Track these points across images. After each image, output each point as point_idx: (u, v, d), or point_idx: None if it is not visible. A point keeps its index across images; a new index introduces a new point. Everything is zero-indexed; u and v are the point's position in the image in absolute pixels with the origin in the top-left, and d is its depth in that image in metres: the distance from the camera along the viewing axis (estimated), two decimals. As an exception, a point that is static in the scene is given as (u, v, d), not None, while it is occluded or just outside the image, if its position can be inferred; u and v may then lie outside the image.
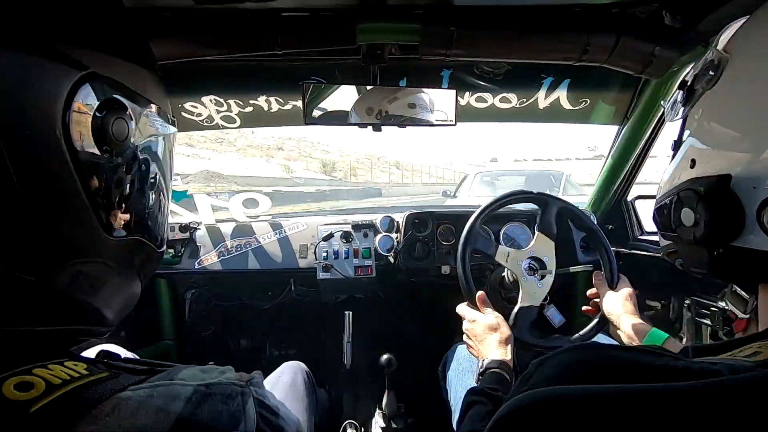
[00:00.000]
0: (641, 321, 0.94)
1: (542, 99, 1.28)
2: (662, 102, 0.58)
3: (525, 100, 1.29)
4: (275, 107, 1.30)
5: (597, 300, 1.06)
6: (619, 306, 0.99)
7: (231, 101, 1.27)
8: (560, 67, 1.16)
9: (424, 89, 1.09)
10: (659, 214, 0.51)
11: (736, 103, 0.42)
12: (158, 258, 0.50)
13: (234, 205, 1.65)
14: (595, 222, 1.33)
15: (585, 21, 0.86)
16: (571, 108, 1.31)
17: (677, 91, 0.54)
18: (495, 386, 0.83)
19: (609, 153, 1.47)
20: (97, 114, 0.36)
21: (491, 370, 0.89)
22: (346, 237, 1.55)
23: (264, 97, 1.27)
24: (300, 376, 1.10)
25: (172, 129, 0.50)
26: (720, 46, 0.47)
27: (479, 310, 1.03)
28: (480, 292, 1.05)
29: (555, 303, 1.15)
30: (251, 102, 1.28)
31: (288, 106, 1.30)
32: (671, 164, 0.53)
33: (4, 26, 0.31)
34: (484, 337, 0.97)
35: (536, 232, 1.17)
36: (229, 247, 1.59)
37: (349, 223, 1.59)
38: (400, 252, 1.54)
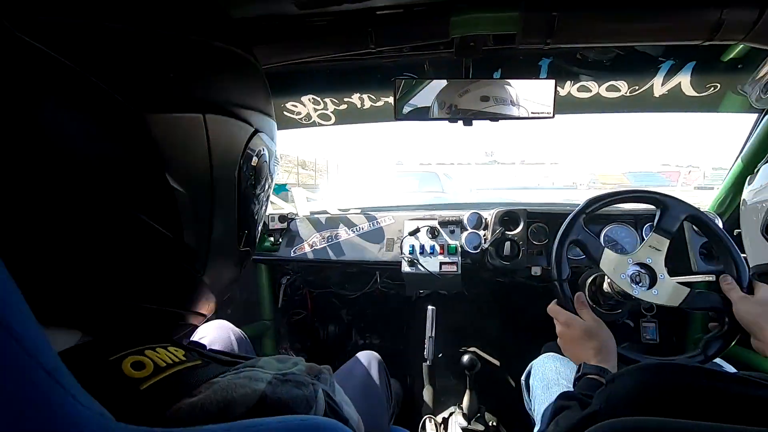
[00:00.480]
0: None
1: (659, 86, 1.13)
2: (740, 88, 0.46)
3: (637, 87, 1.16)
4: (368, 104, 1.34)
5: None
6: (758, 312, 0.83)
7: (327, 99, 1.34)
8: (684, 48, 1.01)
9: (520, 83, 1.04)
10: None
11: None
12: (248, 263, 0.58)
13: (327, 198, 1.75)
14: (721, 226, 1.15)
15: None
16: (696, 95, 1.14)
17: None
18: (590, 393, 0.76)
19: (742, 148, 1.26)
20: (255, 159, 0.47)
21: (588, 376, 0.81)
22: (433, 232, 1.54)
23: (357, 95, 1.31)
24: (374, 365, 1.13)
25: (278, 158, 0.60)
26: None
27: (575, 312, 0.94)
28: (579, 293, 0.97)
29: (660, 318, 1.02)
30: (345, 100, 1.34)
31: (380, 103, 1.33)
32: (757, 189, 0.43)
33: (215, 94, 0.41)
34: (581, 342, 0.89)
35: (650, 235, 1.04)
36: (320, 237, 1.69)
37: (436, 219, 1.58)
38: (487, 250, 1.49)
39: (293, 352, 1.94)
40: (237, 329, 1.15)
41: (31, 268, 0.30)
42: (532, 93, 1.04)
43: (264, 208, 0.56)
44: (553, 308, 0.99)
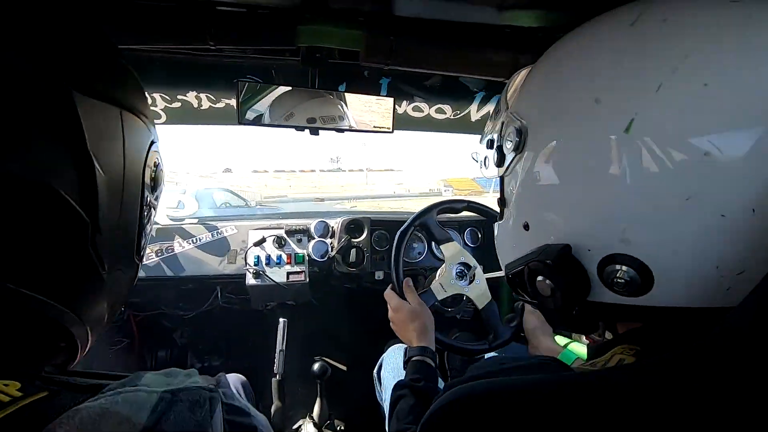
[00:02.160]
0: (554, 343, 1.02)
1: (474, 112, 1.35)
2: (473, 155, 0.62)
3: (459, 112, 1.35)
4: (206, 104, 1.23)
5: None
6: (535, 328, 1.06)
7: (156, 95, 1.18)
8: (492, 83, 1.23)
9: (362, 98, 1.10)
10: (514, 282, 0.52)
11: (550, 171, 0.43)
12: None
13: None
14: None
15: (514, 42, 0.92)
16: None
17: (486, 148, 0.55)
18: (417, 376, 0.85)
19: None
20: (154, 166, 0.48)
21: (414, 359, 0.91)
22: (279, 242, 1.51)
23: (194, 93, 1.19)
24: (241, 391, 1.04)
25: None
26: (510, 106, 0.50)
27: (405, 299, 1.05)
28: (407, 278, 1.07)
29: (462, 304, 1.22)
30: (179, 97, 1.20)
31: (220, 104, 1.24)
32: (503, 223, 0.54)
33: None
34: (408, 324, 0.99)
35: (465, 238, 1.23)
36: (148, 252, 1.47)
37: (283, 228, 1.54)
38: (334, 258, 1.52)
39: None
40: None
41: None
42: (373, 108, 1.12)
43: (151, 223, 0.55)
44: (387, 293, 1.08)
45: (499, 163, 0.51)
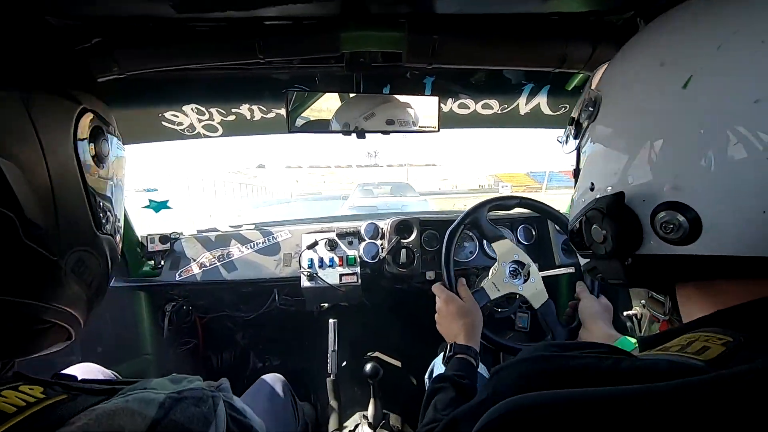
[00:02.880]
0: (613, 330, 0.96)
1: (523, 105, 1.31)
2: (558, 138, 0.64)
3: (506, 106, 1.32)
4: (258, 115, 1.29)
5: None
6: (595, 312, 1.01)
7: (213, 110, 1.25)
8: (540, 74, 1.19)
9: (407, 99, 1.10)
10: (573, 237, 0.54)
11: (615, 132, 0.48)
12: (118, 257, 0.57)
13: (216, 213, 1.62)
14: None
15: (563, 29, 0.88)
16: (552, 113, 1.34)
17: (568, 126, 0.58)
18: (461, 373, 0.83)
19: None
20: (90, 138, 0.47)
21: (458, 356, 0.89)
22: (331, 245, 1.54)
23: (247, 106, 1.26)
24: (279, 389, 1.08)
25: (123, 147, 0.61)
26: (593, 85, 0.53)
27: (456, 292, 1.03)
28: (461, 278, 1.06)
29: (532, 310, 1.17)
30: (233, 110, 1.27)
31: (271, 114, 1.29)
32: (576, 191, 0.57)
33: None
34: (455, 320, 0.97)
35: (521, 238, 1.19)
36: (211, 257, 1.56)
37: (334, 231, 1.58)
38: (385, 259, 1.53)
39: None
40: (108, 371, 0.99)
41: None
42: (419, 108, 1.12)
43: (121, 195, 0.57)
44: (437, 287, 1.06)
45: (576, 134, 0.56)
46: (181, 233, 1.61)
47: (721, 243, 0.38)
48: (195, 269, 1.54)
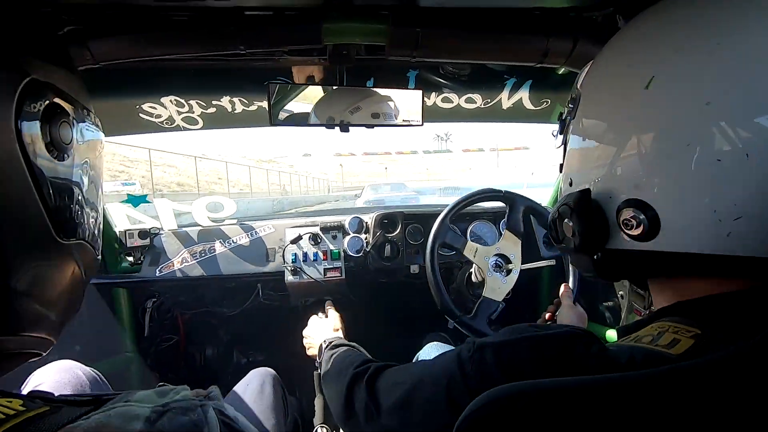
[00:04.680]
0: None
1: (506, 99, 1.32)
2: (552, 132, 0.67)
3: (489, 100, 1.33)
4: (239, 108, 1.26)
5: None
6: (573, 320, 1.04)
7: (192, 102, 1.22)
8: (522, 69, 1.19)
9: (390, 92, 1.10)
10: (550, 230, 0.56)
11: (588, 130, 0.50)
12: (97, 264, 0.50)
13: (197, 208, 1.60)
14: None
15: (544, 24, 0.89)
16: (533, 108, 1.35)
17: (558, 121, 0.61)
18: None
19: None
20: (44, 119, 0.38)
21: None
22: (315, 239, 1.53)
23: (228, 98, 1.23)
24: (268, 383, 1.08)
25: (101, 134, 0.52)
26: (579, 84, 0.55)
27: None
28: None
29: (520, 298, 1.19)
30: (214, 103, 1.24)
31: (253, 107, 1.27)
32: (560, 185, 0.59)
33: None
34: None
35: (504, 230, 1.21)
36: (192, 252, 1.54)
37: (318, 225, 1.57)
38: (369, 253, 1.54)
39: (167, 383, 1.72)
40: (87, 368, 0.97)
41: None
42: (403, 102, 1.11)
43: (96, 190, 0.49)
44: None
45: (561, 130, 0.59)
46: (161, 229, 1.57)
47: (678, 240, 0.40)
48: (176, 265, 1.51)
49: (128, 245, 1.49)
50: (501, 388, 0.34)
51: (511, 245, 1.19)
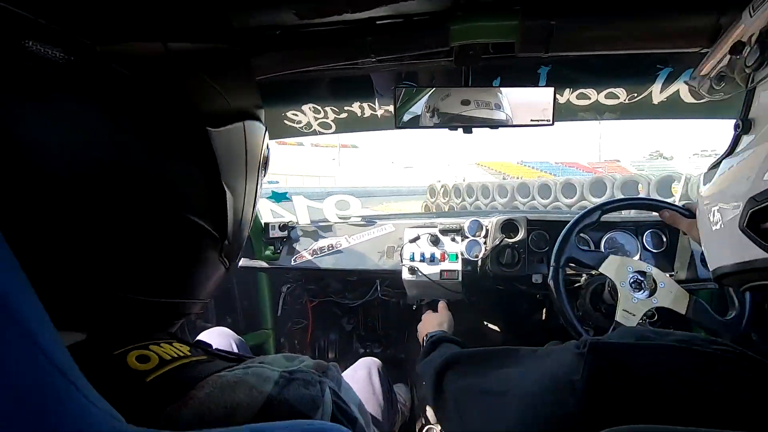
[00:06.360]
0: None
1: (657, 92, 1.14)
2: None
3: (636, 94, 1.17)
4: (368, 112, 1.34)
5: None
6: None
7: (327, 108, 1.34)
8: (682, 56, 1.02)
9: (518, 91, 1.04)
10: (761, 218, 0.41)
11: None
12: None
13: (327, 206, 1.75)
14: None
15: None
16: (694, 102, 1.15)
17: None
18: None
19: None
20: (266, 155, 0.51)
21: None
22: (433, 240, 1.54)
23: (357, 103, 1.32)
24: (375, 371, 1.13)
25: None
26: None
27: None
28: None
29: (664, 321, 1.03)
30: (346, 108, 1.34)
31: (380, 111, 1.34)
32: (758, 149, 0.43)
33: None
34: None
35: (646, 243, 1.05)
36: (321, 246, 1.69)
37: (437, 227, 1.58)
38: (488, 258, 1.48)
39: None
40: (238, 336, 1.15)
41: (58, 273, 0.30)
42: (531, 101, 1.05)
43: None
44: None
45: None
46: (297, 223, 1.76)
47: None
48: (307, 256, 1.68)
49: (270, 235, 1.70)
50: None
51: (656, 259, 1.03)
